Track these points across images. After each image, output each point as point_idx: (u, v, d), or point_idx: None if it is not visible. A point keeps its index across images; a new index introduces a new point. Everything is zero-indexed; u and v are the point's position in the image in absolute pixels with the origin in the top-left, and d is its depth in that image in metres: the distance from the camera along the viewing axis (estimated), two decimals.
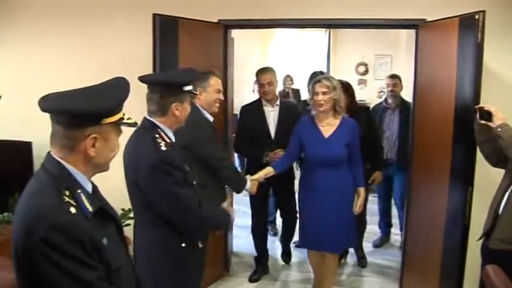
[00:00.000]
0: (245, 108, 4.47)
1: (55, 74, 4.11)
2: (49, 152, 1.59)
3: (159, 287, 2.32)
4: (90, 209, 1.54)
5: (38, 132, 4.25)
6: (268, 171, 3.66)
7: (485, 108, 2.93)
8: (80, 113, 1.52)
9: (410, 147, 4.03)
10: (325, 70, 8.35)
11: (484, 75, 3.14)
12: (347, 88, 4.20)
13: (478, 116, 2.97)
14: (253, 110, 4.37)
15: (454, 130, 3.34)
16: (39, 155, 4.17)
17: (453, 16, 3.35)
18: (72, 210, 1.48)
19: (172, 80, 2.44)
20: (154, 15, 3.56)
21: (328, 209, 3.52)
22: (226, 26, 4.17)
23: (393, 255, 4.96)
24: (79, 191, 1.54)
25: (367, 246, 5.03)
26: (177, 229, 2.42)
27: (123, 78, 1.71)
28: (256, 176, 3.61)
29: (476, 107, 3.01)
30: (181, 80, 2.44)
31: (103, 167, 1.65)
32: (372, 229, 5.31)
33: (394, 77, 5.07)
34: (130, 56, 3.97)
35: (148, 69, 3.45)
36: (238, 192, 3.58)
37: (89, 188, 1.63)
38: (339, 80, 4.04)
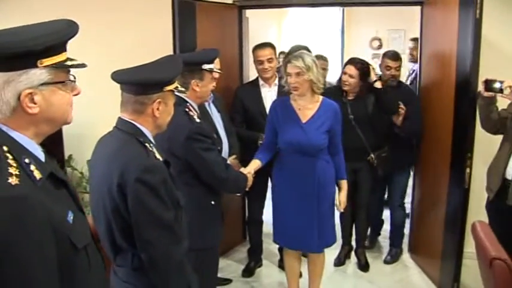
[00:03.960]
0: (241, 89, 4.20)
1: (77, 57, 4.24)
2: (119, 117, 1.96)
3: (195, 240, 2.35)
4: (161, 159, 1.93)
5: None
6: (256, 164, 3.27)
7: (493, 79, 3.09)
8: (149, 82, 1.91)
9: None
10: (339, 45, 8.54)
11: (484, 48, 3.32)
12: (359, 68, 3.89)
13: (483, 89, 3.13)
14: (249, 90, 4.09)
15: (455, 101, 3.53)
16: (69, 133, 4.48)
17: None
18: (157, 156, 1.88)
19: (191, 59, 2.72)
20: None
21: (306, 204, 3.23)
22: (241, 7, 4.39)
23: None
24: (151, 145, 1.92)
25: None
26: (208, 189, 2.79)
27: (177, 55, 2.12)
28: (248, 169, 3.18)
29: (483, 80, 3.15)
30: (200, 59, 2.76)
31: (162, 128, 2.04)
32: None
33: (397, 58, 4.24)
34: (150, 39, 4.13)
35: (168, 51, 3.64)
36: (240, 192, 3.47)
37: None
38: (353, 59, 4.05)
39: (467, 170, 3.40)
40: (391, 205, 4.52)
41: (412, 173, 4.53)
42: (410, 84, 5.10)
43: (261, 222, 4.31)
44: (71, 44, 1.42)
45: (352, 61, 4.01)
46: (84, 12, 4.34)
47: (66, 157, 4.59)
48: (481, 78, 3.23)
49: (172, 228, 1.88)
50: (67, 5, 4.33)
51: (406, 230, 4.59)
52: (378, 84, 3.92)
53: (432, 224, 3.95)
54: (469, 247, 3.38)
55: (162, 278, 1.89)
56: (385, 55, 4.33)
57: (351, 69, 3.91)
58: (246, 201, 4.45)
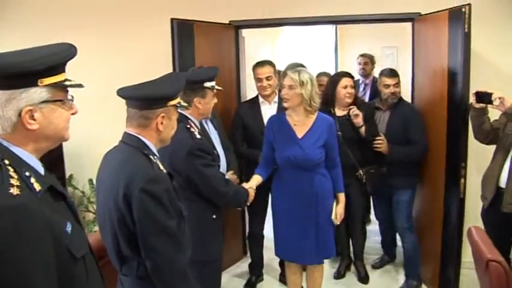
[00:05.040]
0: (241, 106, 4.27)
1: (77, 79, 4.29)
2: (125, 132, 2.04)
3: (197, 252, 2.35)
4: (165, 171, 2.02)
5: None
6: (257, 179, 3.37)
7: (483, 91, 3.20)
8: (153, 97, 2.00)
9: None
10: (333, 64, 8.66)
11: (473, 62, 3.44)
12: (353, 77, 4.06)
13: (474, 100, 3.23)
14: (250, 108, 4.13)
15: (448, 113, 3.64)
16: (69, 153, 4.56)
17: (444, 9, 3.64)
18: (161, 167, 1.96)
19: (193, 78, 2.81)
20: (172, 19, 3.88)
21: (305, 217, 3.29)
22: (237, 27, 4.50)
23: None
24: (155, 157, 2.00)
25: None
26: (209, 203, 2.87)
27: (179, 72, 2.30)
28: (249, 184, 3.30)
29: (474, 92, 3.26)
30: (201, 77, 2.86)
31: (166, 142, 2.12)
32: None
33: (394, 74, 4.06)
34: (150, 58, 4.26)
35: (168, 70, 3.70)
36: (241, 207, 3.52)
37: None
38: (344, 72, 4.12)
39: (462, 180, 3.49)
40: (398, 229, 4.24)
41: None
42: (369, 100, 5.19)
43: (262, 236, 4.33)
44: (74, 68, 1.50)
45: (346, 74, 4.06)
46: (84, 35, 4.46)
47: (67, 176, 4.66)
48: (472, 90, 3.34)
49: (176, 236, 1.95)
50: (68, 29, 4.45)
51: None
52: (363, 131, 3.90)
53: (430, 234, 4.01)
54: (467, 257, 3.45)
55: (167, 284, 1.96)
56: (381, 74, 4.14)
57: (350, 81, 3.98)
58: (247, 216, 4.47)
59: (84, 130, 4.43)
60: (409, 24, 4.27)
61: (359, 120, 3.87)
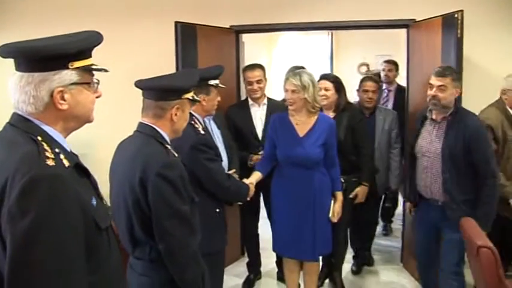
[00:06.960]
0: (231, 109, 4.27)
1: None
2: (140, 122, 2.17)
3: (203, 245, 2.25)
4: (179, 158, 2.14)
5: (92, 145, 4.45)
6: (258, 176, 3.47)
7: None
8: (169, 88, 2.14)
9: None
10: (328, 71, 8.79)
11: (466, 67, 3.60)
12: (332, 81, 3.88)
13: None
14: (239, 110, 4.20)
15: None
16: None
17: (438, 15, 3.79)
18: (175, 155, 2.08)
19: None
20: (176, 22, 4.02)
21: (303, 214, 3.37)
22: (237, 31, 4.64)
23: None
24: (169, 146, 2.12)
25: None
26: (212, 197, 2.98)
27: (194, 68, 2.38)
28: (250, 180, 3.38)
29: None
30: (207, 75, 3.01)
31: (178, 133, 2.25)
32: None
33: (444, 74, 3.17)
34: (154, 60, 4.33)
35: (171, 71, 3.84)
36: (243, 201, 3.39)
37: None
38: (325, 74, 4.09)
39: None
40: (443, 272, 3.34)
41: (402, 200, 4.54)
42: (392, 108, 5.21)
43: (257, 235, 4.44)
44: None
45: (324, 76, 3.99)
46: None
47: None
48: (464, 94, 3.49)
49: (188, 220, 2.06)
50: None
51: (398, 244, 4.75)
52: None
53: None
54: None
55: (179, 267, 2.05)
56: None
57: (325, 83, 3.84)
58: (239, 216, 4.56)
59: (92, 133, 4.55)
60: (403, 33, 4.41)
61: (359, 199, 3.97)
